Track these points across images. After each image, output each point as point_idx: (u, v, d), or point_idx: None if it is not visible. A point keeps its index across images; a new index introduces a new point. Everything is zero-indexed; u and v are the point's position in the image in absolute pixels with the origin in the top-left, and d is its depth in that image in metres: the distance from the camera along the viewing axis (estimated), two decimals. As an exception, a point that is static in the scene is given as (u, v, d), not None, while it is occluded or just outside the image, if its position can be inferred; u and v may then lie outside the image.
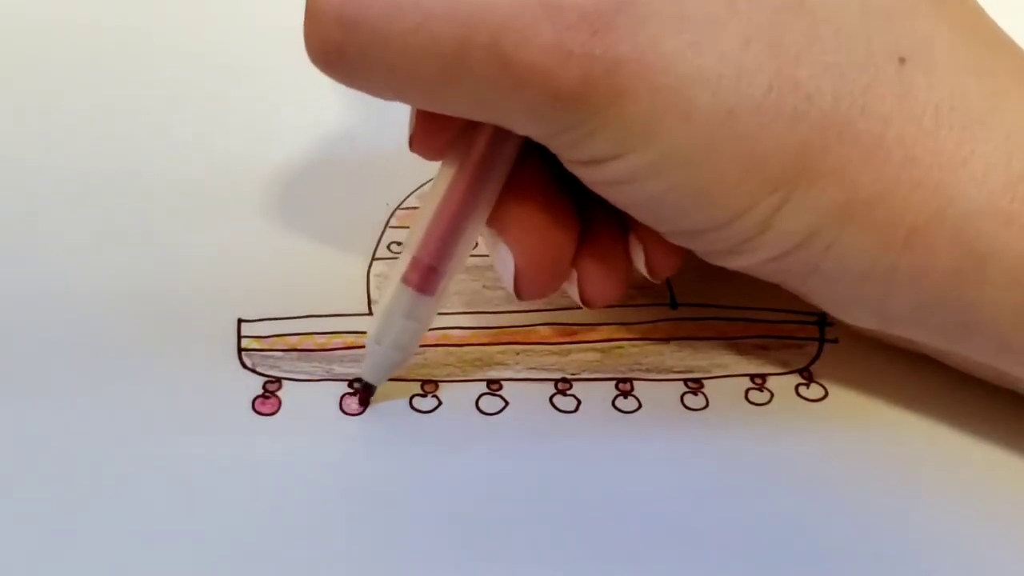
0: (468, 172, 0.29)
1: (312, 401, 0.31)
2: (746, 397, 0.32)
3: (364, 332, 0.33)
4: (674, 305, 0.34)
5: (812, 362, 0.33)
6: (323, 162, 0.38)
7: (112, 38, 0.42)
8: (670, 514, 0.29)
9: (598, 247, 0.31)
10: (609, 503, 0.29)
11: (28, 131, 0.39)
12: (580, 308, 0.33)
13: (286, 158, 0.38)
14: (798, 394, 0.32)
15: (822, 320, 0.33)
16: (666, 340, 0.33)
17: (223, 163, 0.38)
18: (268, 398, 0.31)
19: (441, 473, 0.30)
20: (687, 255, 0.30)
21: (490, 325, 0.33)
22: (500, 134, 0.29)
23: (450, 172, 0.29)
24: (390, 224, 0.36)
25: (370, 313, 0.33)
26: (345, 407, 0.31)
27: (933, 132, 0.26)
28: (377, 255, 0.35)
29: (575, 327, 0.33)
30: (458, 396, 0.31)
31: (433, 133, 0.30)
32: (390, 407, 0.31)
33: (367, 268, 0.35)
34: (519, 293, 0.30)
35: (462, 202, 0.29)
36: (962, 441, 0.31)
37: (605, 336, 0.33)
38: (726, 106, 0.26)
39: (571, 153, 0.27)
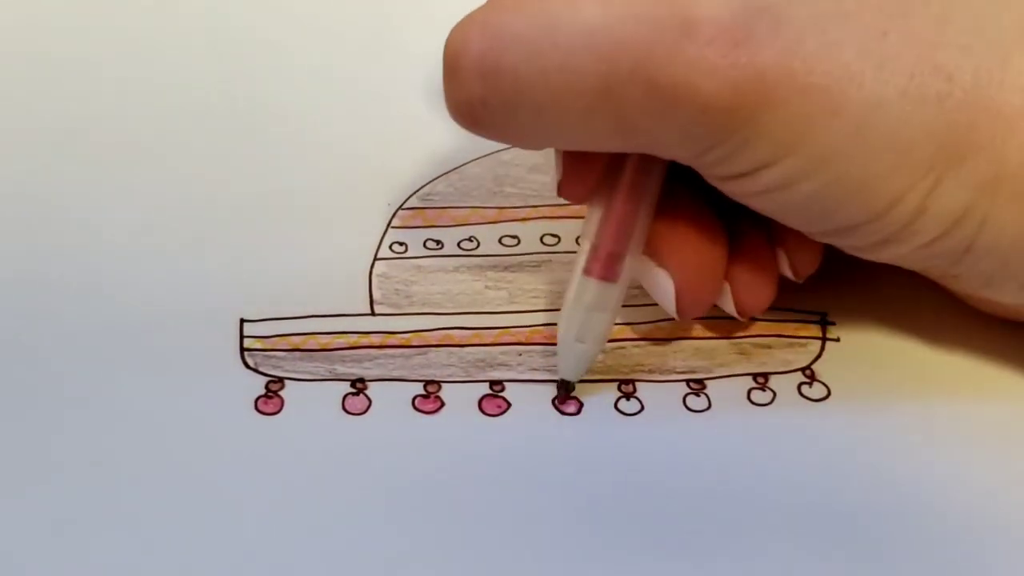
0: (622, 197, 0.30)
1: (315, 401, 0.31)
2: (748, 397, 0.32)
3: (366, 332, 0.33)
4: (676, 304, 0.34)
5: (814, 361, 0.33)
6: (324, 162, 0.38)
7: (108, 37, 0.42)
8: (672, 517, 0.29)
9: (747, 256, 0.31)
10: (612, 505, 0.29)
11: (30, 132, 0.39)
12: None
13: (287, 159, 0.38)
14: (800, 393, 0.32)
15: (824, 319, 0.33)
16: (668, 340, 0.33)
17: (224, 165, 0.38)
18: (271, 398, 0.31)
19: (443, 474, 0.30)
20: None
21: (493, 326, 0.33)
22: (645, 166, 0.30)
23: (599, 211, 0.30)
24: (392, 224, 0.36)
25: (372, 313, 0.33)
26: (348, 407, 0.31)
27: None
28: (379, 255, 0.35)
29: (577, 327, 0.33)
30: (460, 397, 0.31)
31: (581, 175, 0.30)
32: (392, 408, 0.31)
33: (369, 268, 0.35)
34: (681, 313, 0.31)
35: (632, 187, 0.30)
36: (966, 441, 0.31)
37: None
38: (874, 98, 0.26)
39: (721, 169, 0.28)
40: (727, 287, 0.31)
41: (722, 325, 0.33)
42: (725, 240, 0.31)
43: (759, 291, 0.32)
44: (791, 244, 0.31)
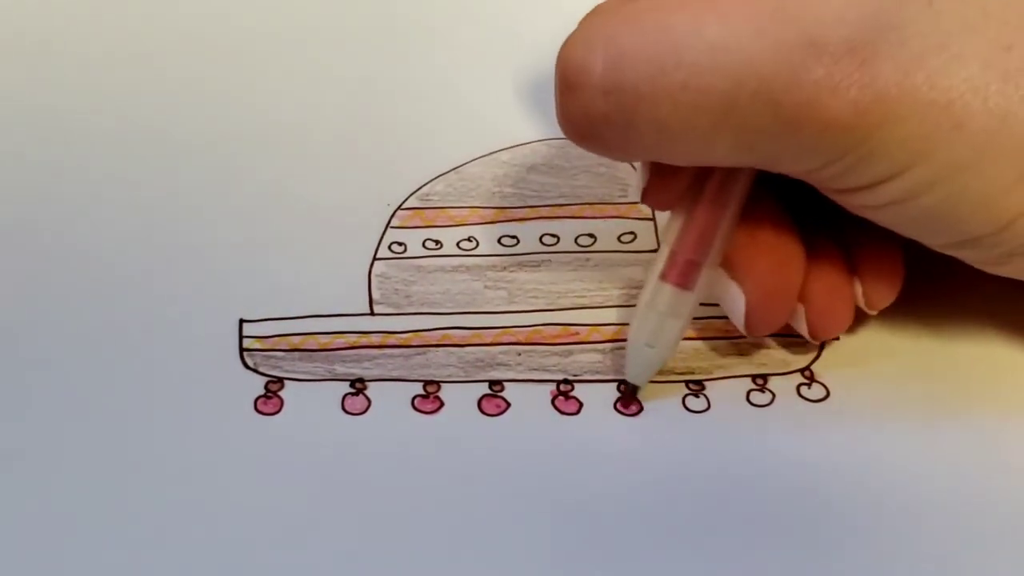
0: (705, 206, 0.30)
1: (314, 401, 0.31)
2: (747, 399, 0.32)
3: (365, 332, 0.33)
4: (675, 304, 0.34)
5: (814, 360, 0.33)
6: (324, 162, 0.38)
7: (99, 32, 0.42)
8: (671, 518, 0.29)
9: (824, 278, 0.31)
10: (611, 506, 0.29)
11: (32, 134, 0.39)
12: (581, 308, 0.33)
13: (287, 158, 0.38)
14: (800, 395, 0.32)
15: (823, 318, 0.33)
16: (667, 340, 0.33)
17: (224, 165, 0.38)
18: (270, 398, 0.31)
19: (442, 473, 0.30)
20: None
21: (492, 325, 0.33)
22: (731, 177, 0.30)
23: (681, 218, 0.30)
24: (391, 224, 0.36)
25: (371, 313, 0.33)
26: (347, 407, 0.31)
27: None
28: (378, 255, 0.35)
29: (577, 327, 0.33)
30: (460, 397, 0.31)
31: (667, 183, 0.30)
32: (391, 408, 0.31)
33: (368, 268, 0.35)
34: (750, 330, 0.31)
35: (717, 197, 0.30)
36: (966, 440, 0.31)
37: (607, 337, 0.33)
38: (1000, 111, 0.26)
39: (839, 182, 0.28)
40: (801, 309, 0.31)
41: (722, 325, 0.33)
42: (803, 260, 0.31)
43: (835, 316, 0.31)
44: (868, 274, 0.31)
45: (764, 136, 0.27)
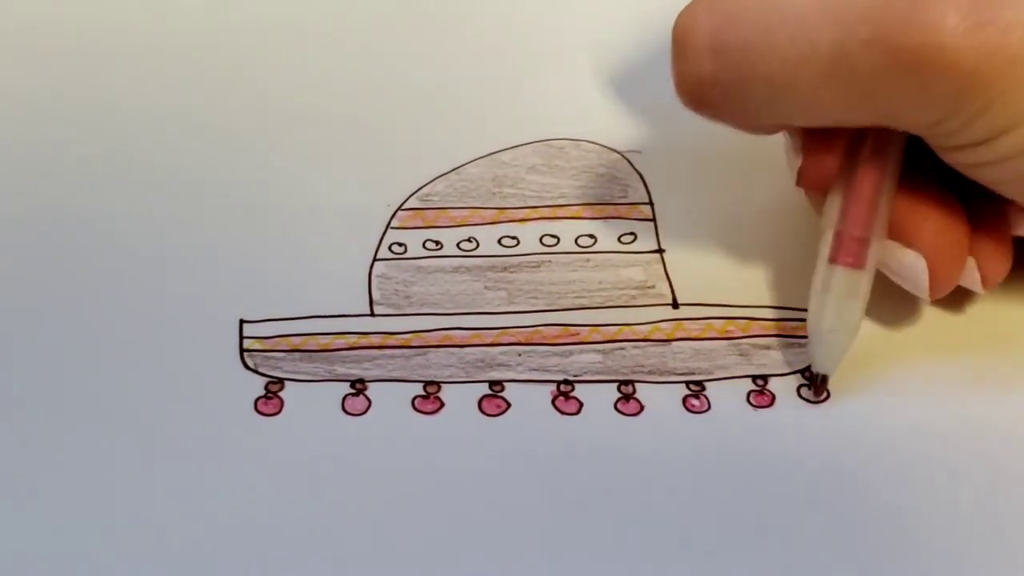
0: (862, 180, 0.30)
1: (314, 402, 0.31)
2: (748, 400, 0.32)
3: (366, 333, 0.33)
4: (676, 305, 0.34)
5: (814, 361, 0.33)
6: (324, 162, 0.38)
7: (116, 38, 0.42)
8: (671, 519, 0.29)
9: (985, 228, 0.31)
10: (611, 506, 0.29)
11: (32, 134, 0.39)
12: (581, 308, 0.33)
13: (286, 158, 0.38)
14: (800, 396, 0.32)
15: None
16: (668, 341, 0.33)
17: (224, 165, 0.38)
18: (270, 399, 0.31)
19: (442, 474, 0.30)
20: None
21: (492, 326, 0.33)
22: (882, 147, 0.29)
23: (839, 197, 0.30)
24: (391, 225, 0.36)
25: (372, 313, 0.33)
26: (347, 407, 0.31)
27: None
28: (378, 256, 0.35)
29: (577, 327, 0.33)
30: (460, 397, 0.31)
31: (822, 161, 0.30)
32: (392, 408, 0.31)
33: (368, 269, 0.35)
34: (934, 292, 0.31)
35: (873, 169, 0.30)
36: (966, 441, 0.31)
37: (607, 337, 0.33)
38: None
39: (958, 137, 0.27)
40: (971, 261, 0.31)
41: (722, 326, 0.33)
42: (964, 214, 0.31)
43: (1002, 260, 0.31)
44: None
45: (882, 84, 0.26)
